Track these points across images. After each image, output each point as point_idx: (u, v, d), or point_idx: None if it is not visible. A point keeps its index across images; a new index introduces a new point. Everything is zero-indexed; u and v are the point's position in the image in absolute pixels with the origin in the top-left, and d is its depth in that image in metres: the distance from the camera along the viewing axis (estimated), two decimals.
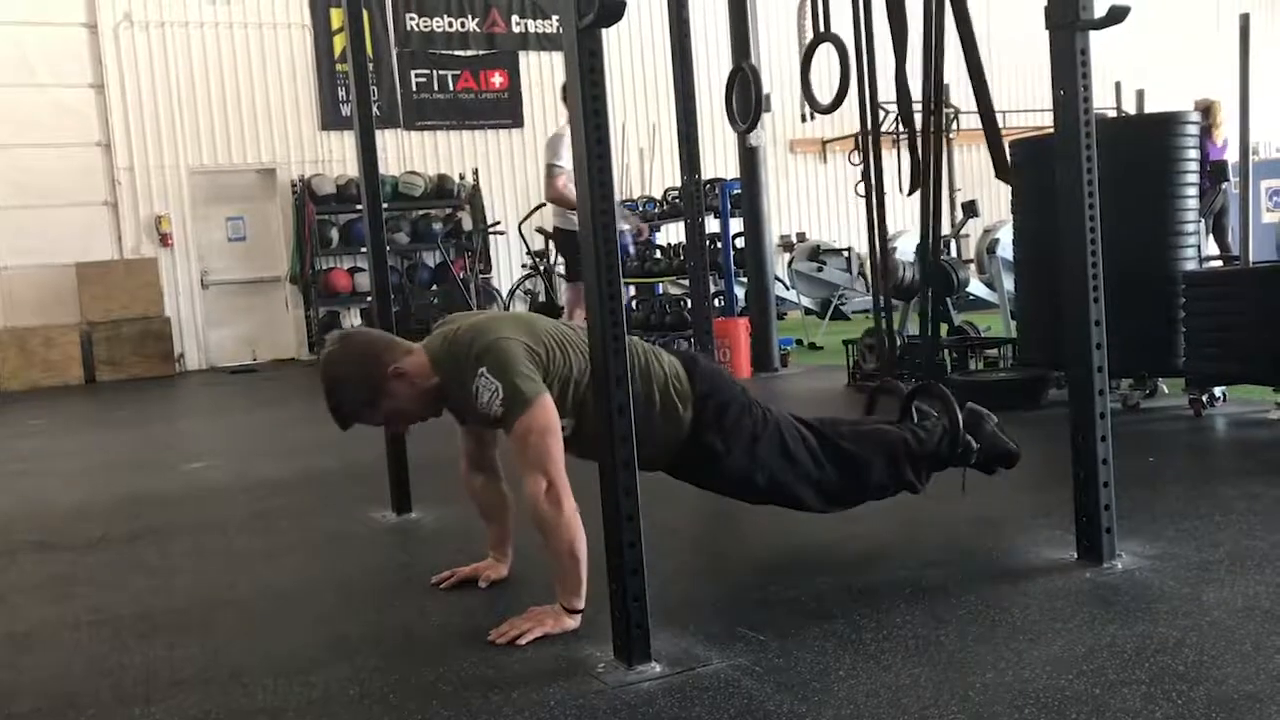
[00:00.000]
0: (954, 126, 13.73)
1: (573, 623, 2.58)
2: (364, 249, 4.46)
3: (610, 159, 2.32)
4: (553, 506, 2.54)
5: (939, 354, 6.24)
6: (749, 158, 8.30)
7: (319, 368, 2.77)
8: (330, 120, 12.89)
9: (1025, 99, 15.65)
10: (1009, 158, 4.44)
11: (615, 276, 2.31)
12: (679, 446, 2.93)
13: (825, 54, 4.33)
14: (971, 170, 15.53)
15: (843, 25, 4.14)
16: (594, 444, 2.44)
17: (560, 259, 7.65)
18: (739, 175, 8.71)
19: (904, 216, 14.89)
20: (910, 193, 3.40)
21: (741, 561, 3.27)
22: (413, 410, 2.79)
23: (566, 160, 6.59)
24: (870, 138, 3.76)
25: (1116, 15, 2.70)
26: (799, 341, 9.96)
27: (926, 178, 3.25)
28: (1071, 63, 2.78)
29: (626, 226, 7.67)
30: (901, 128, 4.02)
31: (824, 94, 4.34)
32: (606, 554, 2.36)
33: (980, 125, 3.57)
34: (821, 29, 3.30)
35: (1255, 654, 2.20)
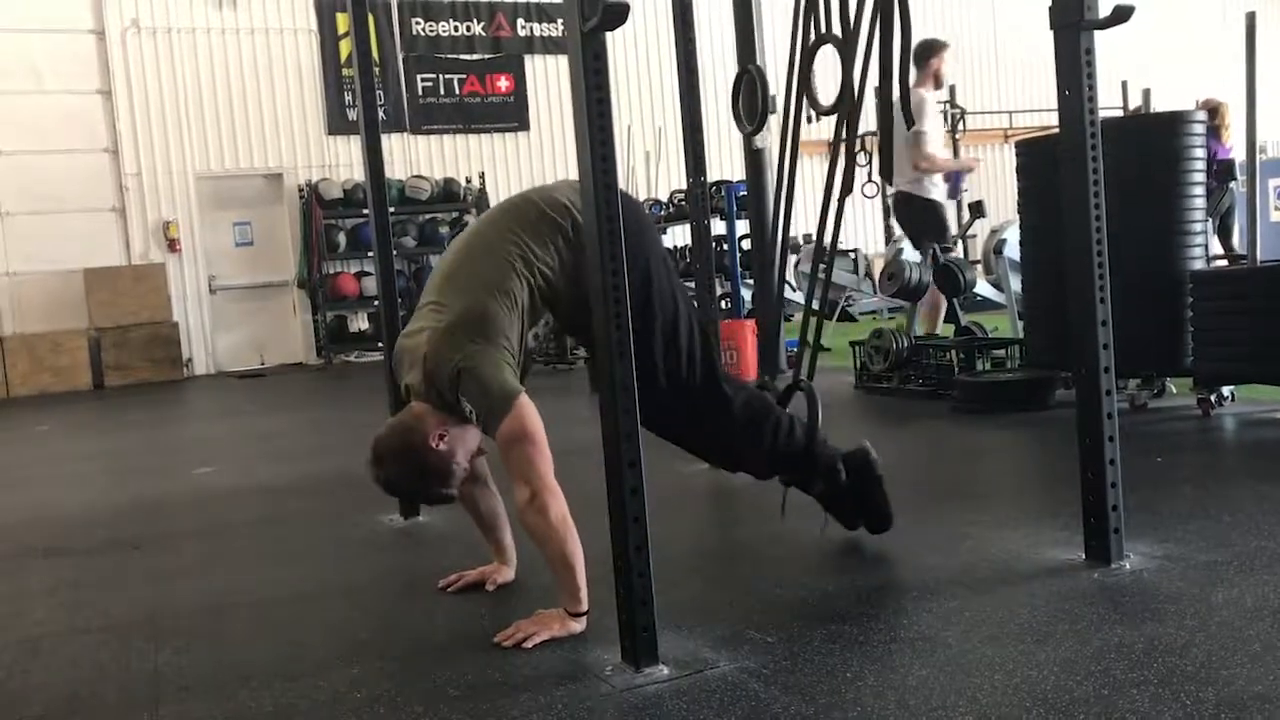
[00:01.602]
0: (960, 126, 13.79)
1: (578, 626, 2.58)
2: (371, 253, 4.46)
3: (615, 162, 2.32)
4: (538, 514, 2.55)
5: (946, 356, 6.24)
6: (755, 159, 8.29)
7: (389, 492, 2.93)
8: (337, 125, 12.91)
9: (1030, 99, 15.65)
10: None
11: (621, 281, 2.31)
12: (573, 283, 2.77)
13: (828, 56, 4.32)
14: (978, 170, 15.52)
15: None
16: (579, 317, 2.57)
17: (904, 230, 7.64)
18: (745, 177, 8.70)
19: None
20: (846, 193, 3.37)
21: (747, 564, 3.26)
22: (469, 447, 2.80)
23: (930, 126, 6.90)
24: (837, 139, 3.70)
25: (1121, 15, 2.69)
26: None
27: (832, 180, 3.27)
28: (1076, 63, 2.78)
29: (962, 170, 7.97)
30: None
31: (825, 97, 4.33)
32: (613, 557, 2.36)
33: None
34: (823, 30, 3.29)
35: (1265, 655, 2.19)
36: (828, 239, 3.44)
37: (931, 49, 6.87)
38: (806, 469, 3.15)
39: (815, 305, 3.66)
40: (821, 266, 3.65)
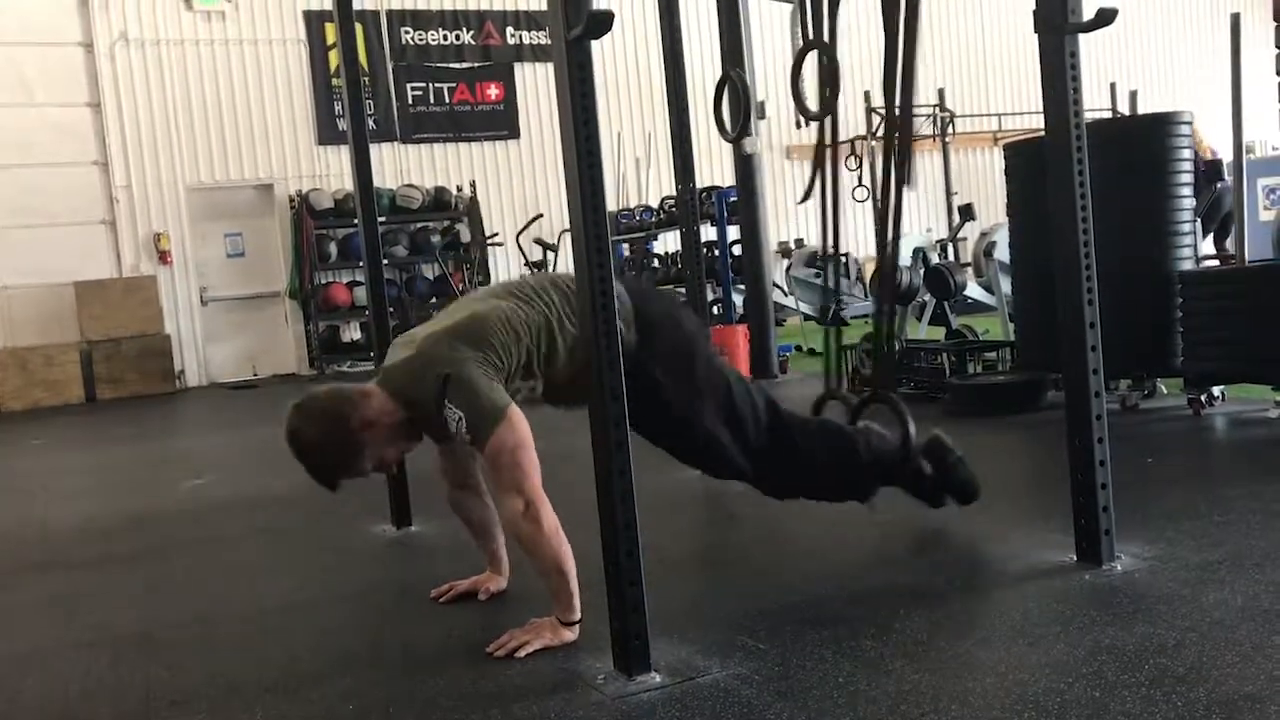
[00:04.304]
0: (949, 130, 13.83)
1: (571, 635, 2.58)
2: (362, 263, 4.47)
3: (601, 169, 2.33)
4: (532, 524, 2.54)
5: (937, 359, 6.25)
6: (745, 165, 8.30)
7: (288, 443, 2.66)
8: (327, 135, 12.90)
9: (1018, 101, 15.69)
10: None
11: (609, 289, 2.32)
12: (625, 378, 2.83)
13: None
14: (967, 174, 15.57)
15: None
16: (564, 392, 2.64)
17: None
18: (735, 183, 8.72)
19: (902, 220, 14.84)
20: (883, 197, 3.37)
21: (739, 570, 3.26)
22: (393, 449, 2.76)
23: None
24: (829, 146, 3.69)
25: (1104, 18, 2.70)
26: (798, 348, 9.97)
27: (887, 186, 3.24)
28: (1061, 66, 2.79)
29: None
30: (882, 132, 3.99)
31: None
32: (604, 565, 2.36)
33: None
34: (811, 36, 3.30)
35: (1255, 654, 2.20)
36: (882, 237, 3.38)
37: None
38: (898, 477, 3.21)
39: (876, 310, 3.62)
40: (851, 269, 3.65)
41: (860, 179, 9.00)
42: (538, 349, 2.74)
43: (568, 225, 2.45)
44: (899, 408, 3.21)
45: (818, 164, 3.48)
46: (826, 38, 3.28)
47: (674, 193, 5.65)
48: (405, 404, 2.67)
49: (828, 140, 3.44)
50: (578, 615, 2.59)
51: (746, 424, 3.00)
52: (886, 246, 3.33)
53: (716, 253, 9.70)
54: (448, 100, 13.56)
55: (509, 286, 2.90)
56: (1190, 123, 5.20)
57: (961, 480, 3.31)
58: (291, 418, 2.67)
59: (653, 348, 2.86)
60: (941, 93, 13.93)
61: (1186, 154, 5.14)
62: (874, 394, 3.38)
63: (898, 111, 3.16)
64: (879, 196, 3.33)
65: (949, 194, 13.72)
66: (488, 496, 3.03)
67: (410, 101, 13.36)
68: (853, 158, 9.09)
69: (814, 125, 3.47)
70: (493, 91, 13.75)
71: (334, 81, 12.70)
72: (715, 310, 9.54)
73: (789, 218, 14.66)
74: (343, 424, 2.63)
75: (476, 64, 13.69)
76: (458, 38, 13.60)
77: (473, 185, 13.29)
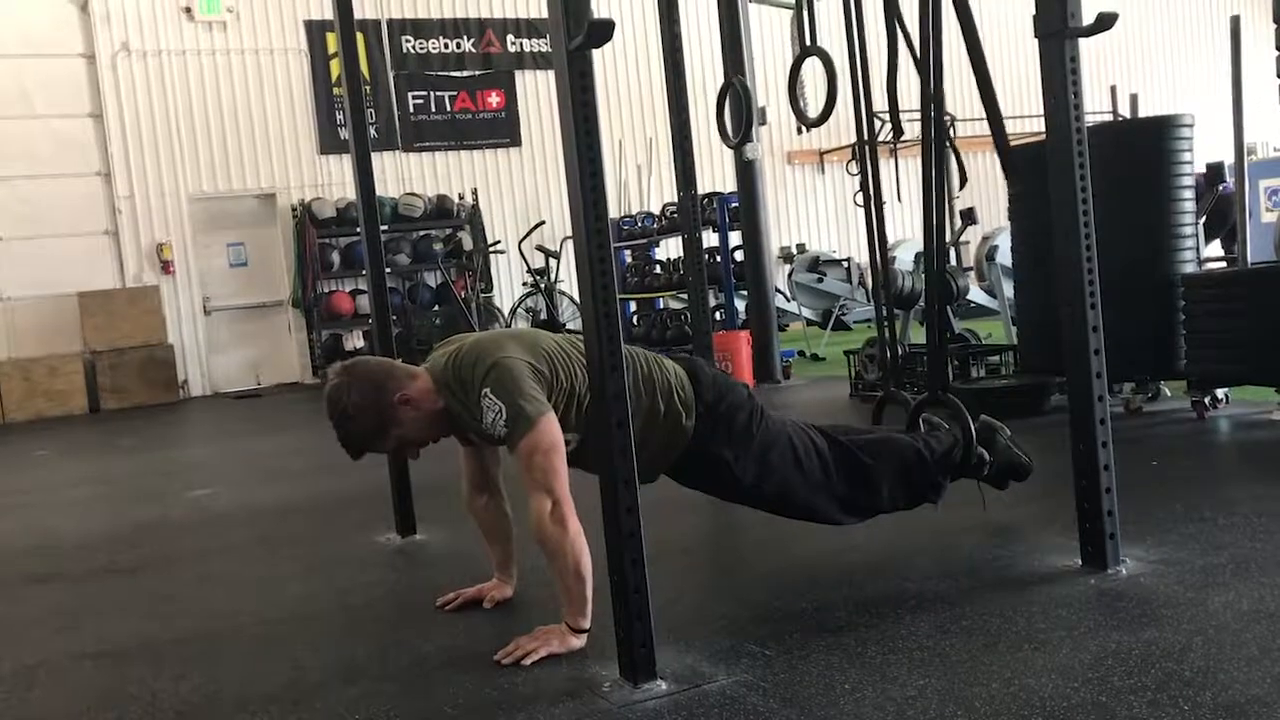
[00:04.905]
0: (950, 134, 13.84)
1: (578, 642, 2.58)
2: (365, 271, 4.48)
3: (603, 177, 2.33)
4: (558, 526, 2.54)
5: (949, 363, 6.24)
6: (746, 171, 8.31)
7: (324, 400, 2.72)
8: (329, 144, 12.92)
9: (1020, 106, 15.70)
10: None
11: (611, 295, 2.32)
12: (684, 455, 2.92)
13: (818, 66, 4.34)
14: (970, 177, 15.56)
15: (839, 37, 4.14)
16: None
17: None
18: (736, 189, 8.72)
19: (903, 225, 14.88)
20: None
21: (745, 576, 3.27)
22: (421, 435, 2.79)
23: None
24: (867, 147, 3.76)
25: (1104, 23, 2.71)
26: (801, 353, 9.96)
27: (929, 186, 3.25)
28: (1061, 70, 2.80)
29: None
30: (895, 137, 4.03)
31: (819, 106, 4.35)
32: (609, 572, 2.36)
33: (990, 130, 3.55)
34: (808, 43, 3.31)
35: (1262, 658, 2.20)
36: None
37: None
38: (963, 474, 3.26)
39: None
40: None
41: (861, 184, 8.99)
42: (579, 399, 2.72)
43: (570, 232, 2.46)
44: (957, 405, 3.27)
45: (862, 166, 3.50)
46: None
47: (675, 199, 5.67)
48: (448, 390, 2.69)
49: (865, 138, 3.45)
50: (589, 622, 2.59)
51: (816, 471, 3.02)
52: (933, 249, 3.35)
53: (718, 258, 9.71)
54: (449, 108, 13.58)
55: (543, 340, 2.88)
56: (1191, 125, 5.20)
57: (1015, 459, 3.35)
58: (336, 377, 2.71)
59: (716, 429, 2.91)
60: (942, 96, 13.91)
61: (1188, 157, 5.14)
62: (931, 395, 3.41)
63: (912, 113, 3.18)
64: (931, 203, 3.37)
65: (951, 198, 13.72)
66: (506, 503, 3.03)
67: (412, 110, 13.39)
68: (854, 162, 9.09)
69: (821, 130, 3.49)
70: (494, 99, 13.77)
71: (335, 91, 12.72)
72: (718, 316, 9.55)
73: (791, 223, 14.68)
74: (383, 395, 2.67)
75: (477, 72, 13.71)
76: (459, 46, 13.62)
77: (474, 193, 13.31)
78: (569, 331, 2.98)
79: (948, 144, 3.36)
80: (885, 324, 4.09)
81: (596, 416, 2.36)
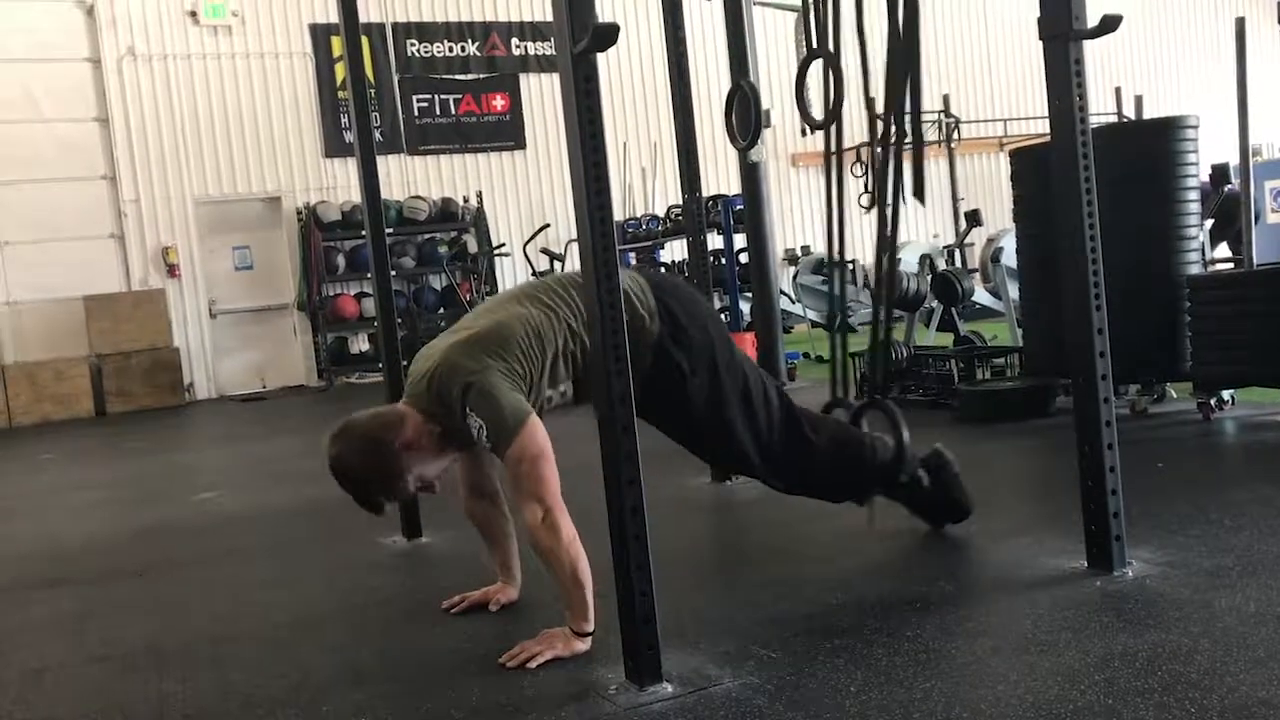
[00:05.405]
0: (955, 136, 13.83)
1: (583, 645, 2.58)
2: (370, 274, 4.48)
3: (608, 181, 2.34)
4: (550, 533, 2.54)
5: (946, 366, 6.24)
6: (750, 173, 8.31)
7: (331, 473, 2.69)
8: (334, 147, 12.94)
9: (1024, 107, 15.69)
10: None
11: (616, 300, 2.32)
12: (648, 369, 2.82)
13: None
14: (974, 180, 15.56)
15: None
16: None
17: None
18: (741, 191, 8.72)
19: (909, 227, 14.86)
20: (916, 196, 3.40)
21: (750, 579, 3.26)
22: (436, 467, 2.77)
23: None
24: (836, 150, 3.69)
25: (1109, 25, 2.71)
26: (805, 355, 9.96)
27: (883, 188, 3.24)
28: (1066, 72, 2.80)
29: None
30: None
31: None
32: (615, 576, 2.36)
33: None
34: (815, 45, 3.31)
35: (1269, 660, 2.19)
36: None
37: None
38: (896, 484, 3.24)
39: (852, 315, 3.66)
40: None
41: (866, 186, 9.01)
42: (565, 353, 2.76)
43: (574, 235, 2.46)
44: (894, 414, 3.22)
45: (828, 171, 3.48)
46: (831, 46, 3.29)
47: (680, 201, 5.66)
48: (433, 418, 2.69)
49: (833, 147, 3.44)
50: (592, 626, 2.59)
51: (760, 418, 3.03)
52: (885, 254, 3.34)
53: (723, 261, 9.71)
54: (454, 112, 13.60)
55: (527, 291, 2.91)
56: (1196, 127, 5.19)
57: (956, 497, 3.34)
58: (332, 446, 2.69)
59: (677, 339, 2.89)
60: (947, 99, 13.93)
61: (1193, 158, 5.13)
62: (871, 400, 3.39)
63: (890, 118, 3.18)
64: (879, 205, 3.34)
65: (955, 200, 13.72)
66: (505, 506, 3.03)
67: (416, 113, 13.40)
68: (859, 164, 9.10)
69: (821, 133, 3.48)
70: (498, 102, 13.78)
71: (340, 94, 12.75)
72: (723, 318, 9.55)
73: (796, 225, 14.68)
74: (385, 448, 2.66)
75: (482, 75, 13.72)
76: (463, 49, 13.64)
77: (479, 196, 13.32)
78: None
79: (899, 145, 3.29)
80: (838, 332, 3.98)
81: (601, 416, 2.36)
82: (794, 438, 3.09)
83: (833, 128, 3.41)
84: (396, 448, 2.66)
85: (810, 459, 3.12)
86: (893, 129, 3.26)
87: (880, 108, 3.24)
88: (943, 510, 3.36)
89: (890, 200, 3.27)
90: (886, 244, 3.35)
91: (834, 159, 3.45)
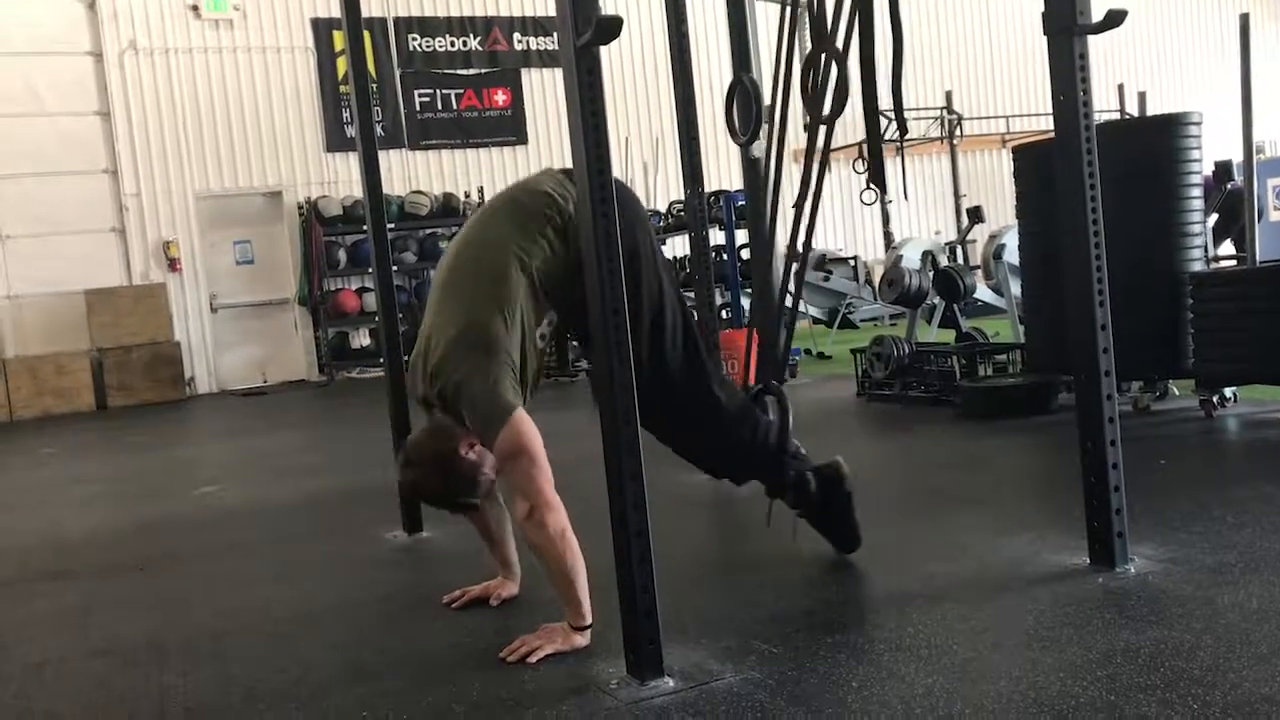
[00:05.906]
0: (957, 132, 13.83)
1: (582, 640, 2.58)
2: (371, 269, 4.48)
3: (611, 174, 2.33)
4: (536, 528, 2.55)
5: (948, 362, 6.23)
6: (752, 169, 8.29)
7: (417, 497, 2.83)
8: (335, 142, 12.94)
9: (1027, 103, 15.68)
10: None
11: (619, 295, 2.32)
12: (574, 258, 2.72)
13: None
14: (976, 176, 15.55)
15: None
16: (580, 313, 2.50)
17: None
18: (743, 187, 8.71)
19: (911, 224, 14.84)
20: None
21: (752, 575, 3.26)
22: (492, 462, 2.76)
23: None
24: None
25: (1114, 20, 2.70)
26: (807, 351, 9.95)
27: (806, 180, 3.27)
28: (1070, 68, 2.79)
29: None
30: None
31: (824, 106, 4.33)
32: (616, 570, 2.36)
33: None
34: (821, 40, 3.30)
35: (1271, 656, 2.19)
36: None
37: None
38: (776, 474, 3.13)
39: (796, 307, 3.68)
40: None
41: (868, 182, 9.00)
42: (545, 290, 2.73)
43: None
44: (783, 399, 3.17)
45: (807, 167, 3.48)
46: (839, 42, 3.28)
47: (682, 197, 5.66)
48: (455, 411, 2.70)
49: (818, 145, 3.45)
50: (588, 620, 2.59)
51: (666, 335, 2.89)
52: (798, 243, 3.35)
53: (724, 256, 9.70)
54: (455, 106, 13.60)
55: (485, 221, 2.88)
56: (1200, 123, 5.18)
57: (843, 523, 3.18)
58: (406, 473, 2.80)
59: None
60: (949, 95, 13.92)
61: (1196, 155, 5.12)
62: (765, 386, 3.33)
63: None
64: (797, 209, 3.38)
65: (957, 196, 13.71)
66: (501, 500, 3.03)
67: (418, 108, 13.40)
68: (860, 160, 9.10)
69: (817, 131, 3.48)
70: (500, 97, 13.78)
71: (342, 89, 12.75)
72: (724, 314, 9.54)
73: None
74: (455, 458, 2.73)
75: (484, 70, 13.72)
76: (465, 44, 13.63)
77: (481, 191, 13.31)
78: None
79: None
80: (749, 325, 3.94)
81: (603, 415, 2.36)
82: (696, 381, 2.96)
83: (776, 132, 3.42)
84: (459, 452, 2.72)
85: (706, 412, 3.00)
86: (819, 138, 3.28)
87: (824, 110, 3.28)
88: (832, 531, 3.21)
89: (811, 204, 3.28)
90: (798, 255, 3.36)
91: (774, 159, 3.46)
